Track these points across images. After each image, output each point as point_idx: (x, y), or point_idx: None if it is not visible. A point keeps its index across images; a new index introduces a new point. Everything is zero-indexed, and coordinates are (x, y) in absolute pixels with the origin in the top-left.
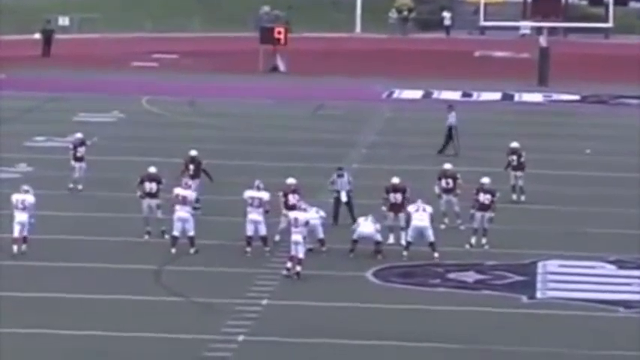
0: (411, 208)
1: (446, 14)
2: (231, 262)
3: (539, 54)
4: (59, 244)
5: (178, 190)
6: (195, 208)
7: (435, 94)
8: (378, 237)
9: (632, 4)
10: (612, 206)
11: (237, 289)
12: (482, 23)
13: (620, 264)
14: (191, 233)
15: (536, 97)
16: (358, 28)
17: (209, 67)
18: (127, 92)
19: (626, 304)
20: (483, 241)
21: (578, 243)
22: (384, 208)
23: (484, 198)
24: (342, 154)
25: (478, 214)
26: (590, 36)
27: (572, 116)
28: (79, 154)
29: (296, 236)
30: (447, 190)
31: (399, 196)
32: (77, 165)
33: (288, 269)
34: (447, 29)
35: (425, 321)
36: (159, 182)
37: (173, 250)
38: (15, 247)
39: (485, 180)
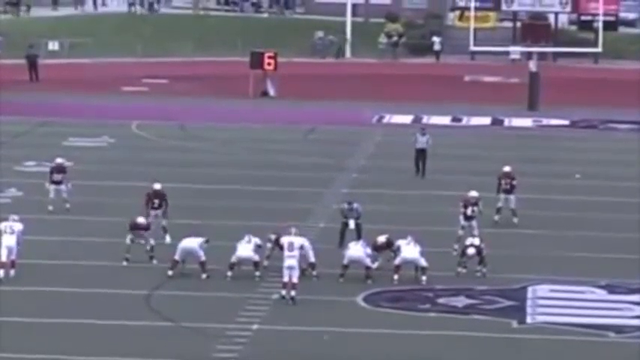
0: (401, 241)
1: (436, 39)
2: (221, 286)
3: (529, 79)
4: (48, 268)
5: None
6: (207, 241)
7: (425, 119)
8: (368, 261)
9: (622, 30)
10: (602, 231)
11: (227, 314)
12: (472, 48)
13: (610, 289)
14: (202, 259)
15: (526, 121)
16: (348, 53)
17: (199, 91)
18: (117, 117)
19: (617, 329)
20: (478, 267)
21: (568, 268)
22: (376, 264)
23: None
24: (332, 178)
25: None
26: (579, 61)
27: (561, 141)
28: (55, 179)
29: (290, 261)
30: (470, 218)
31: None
32: (52, 187)
33: (283, 296)
34: (437, 54)
35: (415, 346)
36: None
37: (170, 273)
38: (2, 272)
39: (473, 193)
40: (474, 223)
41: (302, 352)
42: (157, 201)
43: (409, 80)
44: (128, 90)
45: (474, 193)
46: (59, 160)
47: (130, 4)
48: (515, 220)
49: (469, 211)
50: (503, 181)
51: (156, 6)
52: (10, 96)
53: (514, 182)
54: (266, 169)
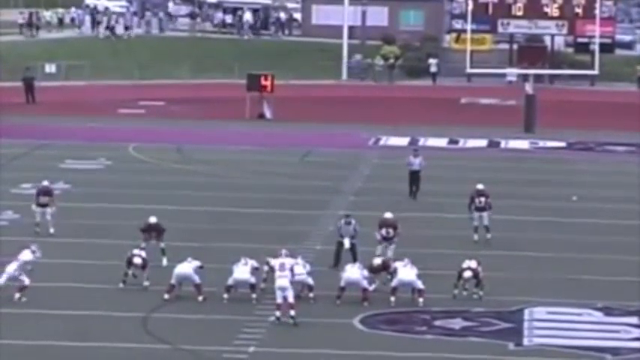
0: (398, 263)
1: (432, 61)
2: (218, 309)
3: (526, 101)
4: (45, 291)
5: None
6: (201, 267)
7: (422, 141)
8: (365, 284)
9: (618, 52)
10: (599, 253)
11: (224, 337)
12: (469, 71)
13: (607, 311)
14: (198, 282)
15: (523, 143)
16: (344, 76)
17: (196, 113)
18: (113, 139)
19: (614, 351)
20: (474, 290)
21: (565, 290)
22: (373, 286)
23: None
24: (328, 200)
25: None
26: (576, 83)
27: (558, 163)
28: (41, 202)
29: (282, 281)
30: (386, 239)
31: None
32: (39, 210)
33: (277, 318)
34: (434, 76)
35: None
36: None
37: (166, 296)
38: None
39: (388, 215)
40: (389, 244)
41: None
42: (153, 234)
43: (405, 102)
44: (125, 112)
45: (388, 215)
46: (45, 183)
47: (97, 23)
48: (489, 235)
49: (383, 232)
50: (476, 199)
51: (119, 30)
52: (8, 118)
53: (488, 200)
54: (262, 192)
